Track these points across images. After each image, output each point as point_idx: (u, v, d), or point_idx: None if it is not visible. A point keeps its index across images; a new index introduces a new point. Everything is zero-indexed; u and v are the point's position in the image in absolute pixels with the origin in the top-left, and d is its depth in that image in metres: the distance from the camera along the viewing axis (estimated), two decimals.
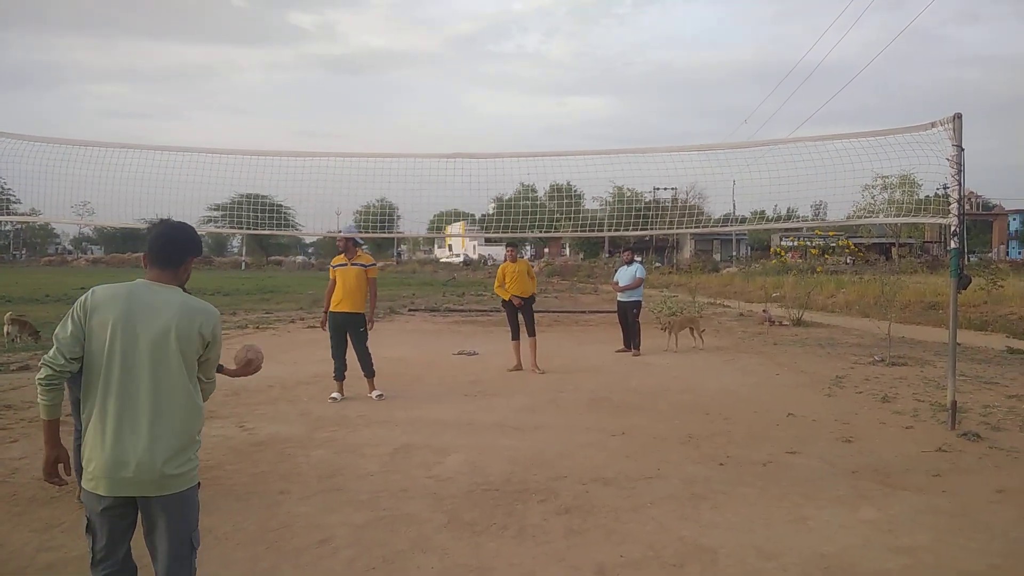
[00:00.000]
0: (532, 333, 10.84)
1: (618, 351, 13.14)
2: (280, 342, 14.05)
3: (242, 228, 11.13)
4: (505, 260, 11.21)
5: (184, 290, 2.99)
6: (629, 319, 13.08)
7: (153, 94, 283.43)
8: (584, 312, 21.62)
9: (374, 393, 8.65)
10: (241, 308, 21.42)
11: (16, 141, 8.00)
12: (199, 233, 3.16)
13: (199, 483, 2.89)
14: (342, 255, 8.80)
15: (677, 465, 5.99)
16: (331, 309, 8.72)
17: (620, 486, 5.46)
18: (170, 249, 2.93)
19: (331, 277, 8.82)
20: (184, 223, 3.06)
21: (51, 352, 2.72)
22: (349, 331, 8.64)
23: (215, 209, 14.17)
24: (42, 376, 2.71)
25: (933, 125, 7.05)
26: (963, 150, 6.85)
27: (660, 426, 7.36)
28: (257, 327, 16.52)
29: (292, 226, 11.46)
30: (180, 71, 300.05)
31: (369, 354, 8.74)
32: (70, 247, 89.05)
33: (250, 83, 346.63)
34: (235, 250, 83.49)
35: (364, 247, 9.21)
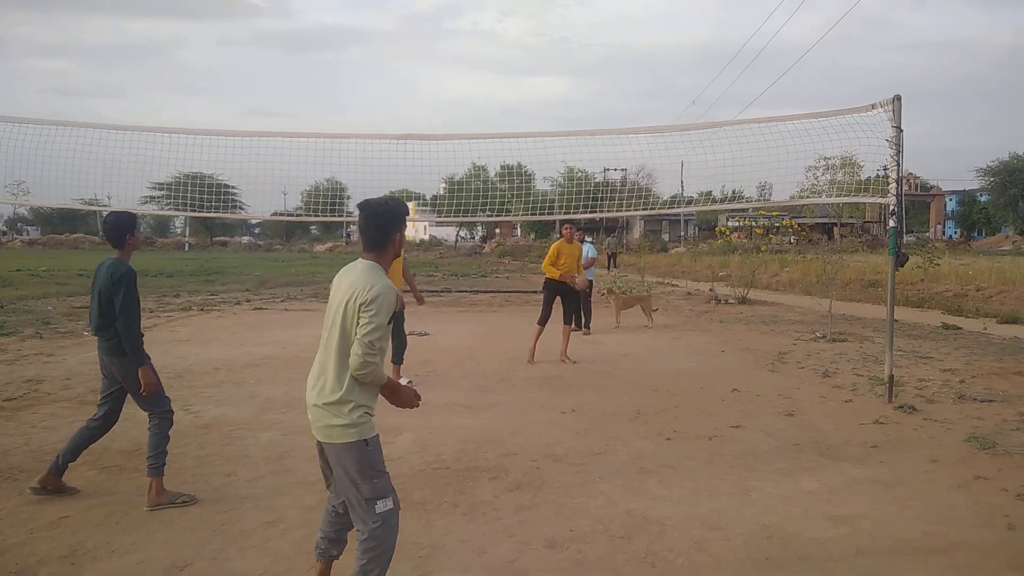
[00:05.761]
0: (569, 321, 10.17)
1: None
2: (226, 324, 13.80)
3: (186, 210, 10.75)
4: (561, 238, 10.22)
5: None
6: (580, 299, 13.15)
7: (99, 71, 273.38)
8: (536, 292, 21.64)
9: (403, 380, 8.39)
10: (184, 290, 20.94)
11: None
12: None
13: (367, 442, 3.08)
14: None
15: (626, 441, 6.08)
16: None
17: (570, 462, 5.52)
18: (364, 231, 3.25)
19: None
20: (383, 200, 3.29)
21: None
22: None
23: (157, 188, 13.60)
24: None
25: (873, 107, 7.19)
26: (902, 131, 7.01)
27: (610, 403, 7.45)
28: (202, 309, 16.19)
29: (238, 207, 11.15)
30: (127, 47, 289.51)
31: (406, 338, 8.57)
32: (4, 228, 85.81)
33: (199, 60, 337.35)
34: (178, 231, 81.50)
35: None
